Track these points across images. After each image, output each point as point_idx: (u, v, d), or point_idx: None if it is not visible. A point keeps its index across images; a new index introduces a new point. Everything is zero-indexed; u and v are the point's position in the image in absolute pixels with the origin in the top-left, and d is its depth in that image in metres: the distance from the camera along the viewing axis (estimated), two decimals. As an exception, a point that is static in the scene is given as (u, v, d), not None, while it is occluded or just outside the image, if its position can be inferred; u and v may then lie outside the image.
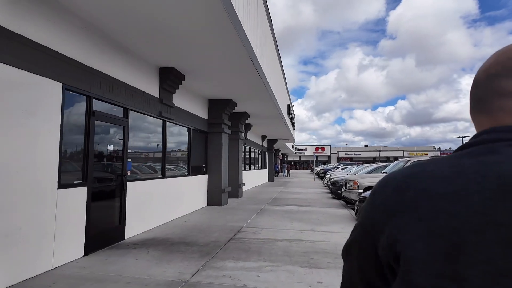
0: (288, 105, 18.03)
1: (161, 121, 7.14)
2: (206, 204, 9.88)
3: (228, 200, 11.32)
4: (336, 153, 71.67)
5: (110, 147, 5.24)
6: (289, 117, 18.32)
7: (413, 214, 0.48)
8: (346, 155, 71.69)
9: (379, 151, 68.52)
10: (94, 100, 4.80)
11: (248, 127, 15.52)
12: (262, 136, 21.51)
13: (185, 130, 8.63)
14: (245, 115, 12.25)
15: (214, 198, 9.90)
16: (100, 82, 4.89)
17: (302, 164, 78.53)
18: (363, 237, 0.58)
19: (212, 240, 5.56)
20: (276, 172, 35.51)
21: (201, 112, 9.63)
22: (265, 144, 23.52)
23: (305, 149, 71.10)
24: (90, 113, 4.70)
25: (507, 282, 0.41)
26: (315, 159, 31.31)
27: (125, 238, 5.53)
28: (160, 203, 6.81)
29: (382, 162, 50.60)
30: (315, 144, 75.15)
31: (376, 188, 0.58)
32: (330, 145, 71.13)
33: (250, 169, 17.79)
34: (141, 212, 6.03)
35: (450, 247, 0.44)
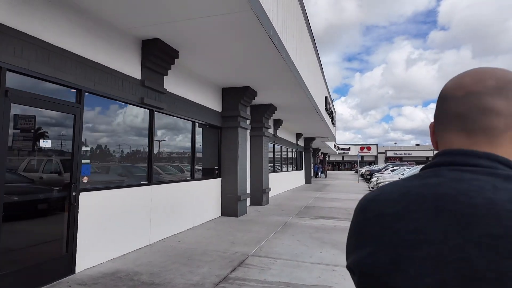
0: (326, 97, 15.73)
1: (148, 111, 5.51)
2: (219, 215, 8.15)
3: (249, 208, 9.49)
4: (383, 153, 66.58)
5: (45, 143, 3.67)
6: (327, 111, 16.01)
7: (368, 232, 0.56)
8: (395, 155, 66.29)
9: (433, 150, 62.06)
10: (8, 72, 3.24)
11: (278, 123, 13.56)
12: (297, 134, 19.38)
13: (187, 124, 6.96)
14: (270, 107, 10.32)
15: (229, 207, 8.13)
16: (21, 47, 3.33)
17: (345, 165, 74.32)
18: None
19: (193, 282, 3.75)
20: (316, 174, 33.03)
21: (213, 102, 7.91)
22: (301, 143, 21.32)
23: (349, 149, 67.12)
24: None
25: None
26: (359, 159, 28.25)
27: (76, 271, 3.94)
28: (142, 218, 5.18)
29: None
30: (360, 143, 70.63)
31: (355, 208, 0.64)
32: (376, 144, 66.45)
33: (281, 170, 15.79)
34: (106, 233, 4.43)
35: (391, 262, 0.50)
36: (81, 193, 4.03)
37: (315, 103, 10.96)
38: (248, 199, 10.23)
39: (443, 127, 0.59)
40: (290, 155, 18.10)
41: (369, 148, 66.04)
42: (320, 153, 47.41)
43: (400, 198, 0.54)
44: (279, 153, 15.53)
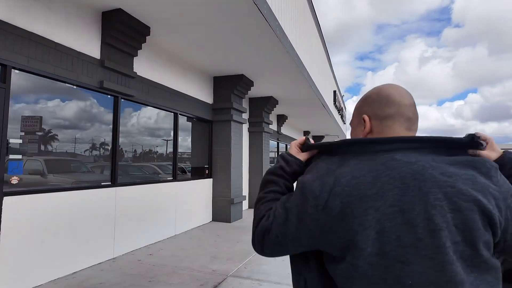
0: (335, 91, 14.61)
1: (112, 97, 4.60)
2: (210, 220, 7.20)
3: (247, 212, 8.50)
4: (397, 152, 64.34)
5: None
6: (336, 106, 14.89)
7: (352, 212, 0.69)
8: (409, 155, 64.00)
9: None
10: None
11: (282, 119, 12.54)
12: (304, 131, 18.28)
13: (169, 117, 6.03)
14: (271, 101, 9.32)
15: (220, 211, 7.17)
16: None
17: (358, 165, 72.40)
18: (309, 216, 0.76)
19: (142, 317, 2.80)
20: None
21: (202, 93, 6.97)
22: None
23: (361, 148, 65.26)
24: None
25: (412, 251, 0.66)
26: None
27: (-5, 299, 3.05)
28: (102, 227, 4.26)
29: (454, 162, 43.38)
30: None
31: (313, 185, 0.77)
32: (390, 144, 64.36)
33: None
34: (46, 248, 3.52)
35: (377, 232, 0.67)
36: (5, 198, 3.14)
37: (321, 95, 9.89)
38: (246, 202, 9.25)
39: (392, 122, 0.82)
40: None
41: (382, 148, 63.99)
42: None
43: (375, 180, 0.71)
44: (284, 151, 14.50)
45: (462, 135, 0.77)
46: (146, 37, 4.82)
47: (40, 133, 3.67)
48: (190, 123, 7.02)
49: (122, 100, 4.74)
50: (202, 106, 6.98)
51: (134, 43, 4.67)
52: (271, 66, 6.58)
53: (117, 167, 4.55)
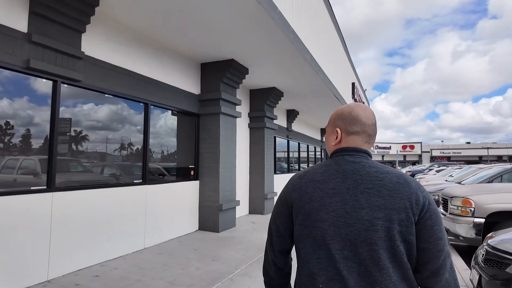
0: (353, 84, 13.24)
1: (50, 82, 3.74)
2: (196, 229, 6.24)
3: (245, 219, 7.48)
4: (428, 152, 60.93)
5: None
6: (354, 100, 13.50)
7: (306, 189, 1.07)
8: (442, 154, 60.44)
9: (487, 148, 55.28)
10: None
11: (292, 114, 11.40)
12: (321, 129, 16.96)
13: (138, 108, 5.13)
14: (274, 92, 8.24)
15: (207, 219, 6.19)
16: None
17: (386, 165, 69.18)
18: (282, 205, 1.15)
19: None
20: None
21: (185, 82, 6.04)
22: (328, 140, 18.80)
23: (389, 147, 62.11)
24: None
25: (342, 219, 0.97)
26: (398, 158, 24.92)
27: None
28: (31, 242, 3.40)
29: (492, 162, 39.74)
30: (402, 142, 65.36)
31: (292, 177, 1.18)
32: (421, 143, 60.89)
33: (299, 171, 13.54)
34: None
35: (319, 205, 1.02)
36: None
37: (332, 85, 8.66)
38: (246, 207, 8.22)
39: (357, 137, 1.11)
40: (312, 154, 15.76)
41: (412, 147, 60.76)
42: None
43: (324, 171, 1.07)
44: (297, 151, 13.30)
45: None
46: (95, 8, 3.93)
47: None
48: (176, 117, 6.11)
49: (65, 85, 3.87)
50: (186, 97, 6.04)
51: (77, 15, 3.79)
52: (264, 47, 5.52)
53: (54, 168, 3.69)
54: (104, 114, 4.54)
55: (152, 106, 5.28)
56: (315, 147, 16.09)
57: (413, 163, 58.43)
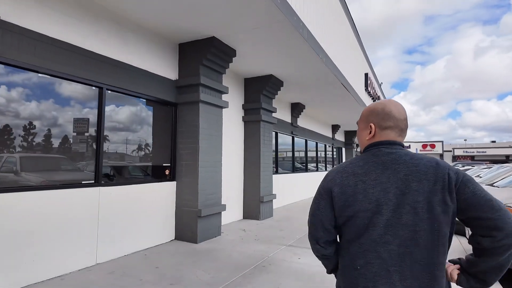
0: (366, 74, 12.01)
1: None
2: (172, 238, 5.30)
3: (235, 225, 6.49)
4: (450, 151, 58.13)
5: None
6: (368, 93, 12.26)
7: (348, 182, 1.15)
8: (465, 153, 57.52)
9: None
10: None
11: (297, 108, 10.32)
12: (332, 125, 15.74)
13: (90, 93, 4.22)
14: (271, 81, 7.20)
15: (185, 227, 5.23)
16: None
17: (404, 165, 66.79)
18: (324, 200, 1.22)
19: None
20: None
21: (157, 64, 5.11)
22: (340, 137, 17.56)
23: (409, 146, 59.72)
24: None
25: (385, 207, 1.07)
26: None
27: None
28: None
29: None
30: (422, 140, 62.87)
31: (328, 173, 1.26)
32: (442, 141, 58.22)
33: (307, 170, 12.40)
34: None
35: (363, 197, 1.10)
36: None
37: (339, 71, 7.53)
38: (239, 211, 7.23)
39: (390, 130, 1.20)
40: (322, 152, 14.57)
41: (432, 146, 58.20)
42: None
43: (363, 164, 1.16)
44: (303, 149, 12.18)
45: None
46: (12, -42, 3.04)
47: None
48: (148, 106, 5.21)
49: (-28, 58, 3.00)
50: (160, 83, 5.10)
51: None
52: (247, 19, 4.51)
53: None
54: (37, 98, 3.64)
55: (109, 91, 4.37)
56: (325, 145, 14.89)
57: (434, 163, 55.77)
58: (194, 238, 5.09)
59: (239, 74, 7.22)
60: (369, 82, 12.12)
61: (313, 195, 1.31)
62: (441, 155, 57.06)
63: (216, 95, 5.65)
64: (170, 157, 5.39)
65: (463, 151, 58.52)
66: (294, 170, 10.89)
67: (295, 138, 10.98)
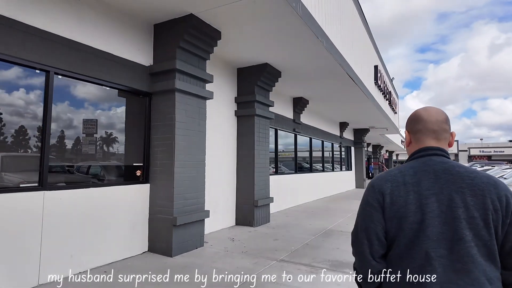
0: (376, 67, 11.08)
1: None
2: (145, 250, 4.55)
3: (224, 234, 5.71)
4: (466, 151, 56.22)
5: None
6: (378, 87, 11.32)
7: (399, 193, 1.10)
8: (481, 153, 55.59)
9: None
10: None
11: (299, 104, 9.49)
12: (340, 123, 14.80)
13: (33, 78, 3.50)
14: (267, 70, 6.40)
15: (159, 237, 4.48)
16: None
17: (417, 165, 64.91)
18: (374, 211, 1.15)
19: None
20: (372, 175, 27.60)
21: (126, 47, 4.38)
22: (349, 136, 16.59)
23: (421, 146, 58.01)
24: None
25: (440, 220, 1.03)
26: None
27: None
28: None
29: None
30: (435, 140, 60.88)
31: (374, 181, 1.19)
32: (457, 141, 56.32)
33: (311, 171, 11.52)
34: None
35: (417, 207, 1.06)
36: None
37: (343, 59, 6.68)
38: (232, 216, 6.45)
39: (420, 134, 1.20)
40: (329, 151, 13.65)
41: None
42: (384, 151, 40.69)
43: (414, 173, 1.11)
44: (308, 147, 11.32)
45: None
46: None
47: None
48: (120, 97, 4.49)
49: None
50: (129, 69, 4.37)
51: None
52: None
53: None
54: None
55: (59, 76, 3.65)
56: (332, 144, 13.97)
57: (449, 163, 53.97)
58: (169, 251, 4.32)
59: (230, 63, 6.45)
60: (379, 75, 11.17)
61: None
62: (456, 155, 55.14)
63: (198, 83, 4.88)
64: (143, 156, 4.65)
65: (480, 151, 56.64)
66: (297, 170, 10.04)
67: (298, 136, 10.14)
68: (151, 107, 4.72)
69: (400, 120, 23.95)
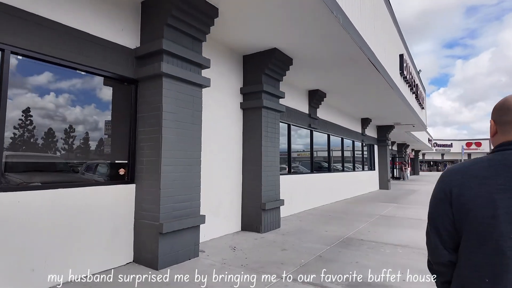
0: (402, 55, 10.06)
1: None
2: (130, 260, 3.94)
3: (230, 239, 5.03)
4: (500, 150, 52.62)
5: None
6: (404, 78, 10.30)
7: (469, 185, 1.04)
8: (517, 152, 51.76)
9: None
10: None
11: (316, 96, 8.68)
12: (362, 119, 13.78)
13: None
14: (275, 56, 5.68)
15: (145, 246, 3.85)
16: None
17: (445, 165, 61.80)
18: (443, 204, 1.10)
19: None
20: (398, 178, 26.21)
21: (107, 27, 3.79)
22: (371, 133, 15.49)
23: (450, 145, 55.22)
24: None
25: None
26: (463, 157, 20.33)
27: None
28: None
29: None
30: (465, 139, 57.83)
31: (444, 173, 1.15)
32: (489, 139, 52.85)
33: (330, 170, 10.62)
34: None
35: (487, 203, 0.98)
36: None
37: (364, 42, 5.83)
38: (238, 221, 5.76)
39: (509, 126, 1.07)
40: (350, 149, 12.68)
41: (478, 144, 53.27)
42: (410, 150, 38.69)
43: (488, 166, 1.03)
44: (326, 145, 10.45)
45: None
46: None
47: None
48: (110, 87, 3.93)
49: None
50: (110, 51, 3.78)
51: None
52: None
53: None
54: None
55: (19, 56, 3.09)
56: (353, 141, 12.98)
57: (480, 162, 50.86)
58: (154, 263, 3.69)
59: (235, 49, 5.77)
60: (405, 65, 10.13)
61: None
62: (488, 154, 51.74)
63: (191, 68, 4.22)
64: (127, 152, 4.05)
65: (515, 150, 52.92)
66: (313, 170, 9.22)
67: (314, 132, 9.31)
68: (138, 96, 4.12)
69: (428, 117, 22.42)
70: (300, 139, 8.83)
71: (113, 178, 3.91)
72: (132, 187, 3.99)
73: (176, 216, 3.91)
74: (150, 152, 3.89)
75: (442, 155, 59.86)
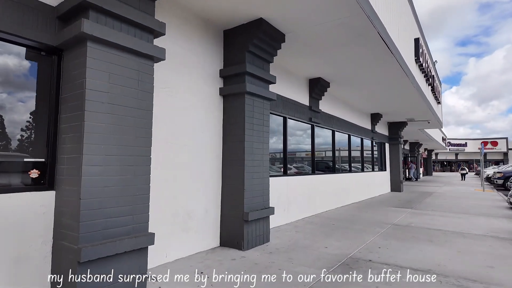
0: (417, 39, 8.78)
1: None
2: (44, 297, 2.86)
3: (201, 259, 3.90)
4: (517, 149, 50.42)
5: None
6: (419, 66, 9.01)
7: None
8: (535, 151, 49.63)
9: None
10: None
11: (317, 85, 7.51)
12: (371, 114, 12.49)
13: None
14: (262, 29, 4.53)
15: (64, 279, 2.76)
16: None
17: (459, 165, 59.56)
18: None
19: None
20: (410, 179, 24.78)
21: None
22: (382, 130, 14.17)
23: (465, 144, 53.06)
24: None
25: None
26: (482, 157, 18.78)
27: None
28: None
29: None
30: (480, 138, 55.60)
31: None
32: (506, 138, 50.70)
33: (334, 171, 9.37)
34: None
35: None
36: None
37: (374, 12, 4.63)
38: (216, 235, 4.62)
39: None
40: (358, 148, 11.40)
41: (494, 143, 51.11)
42: (423, 150, 36.93)
43: None
44: (331, 143, 9.22)
45: None
46: None
47: None
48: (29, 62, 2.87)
49: None
50: (18, 9, 2.70)
51: None
52: None
53: None
54: None
55: None
56: (362, 139, 11.70)
57: (496, 162, 48.75)
58: (70, 305, 2.60)
59: (212, 21, 4.65)
60: (421, 50, 8.84)
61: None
62: (505, 154, 49.52)
63: (136, 33, 3.11)
64: (46, 147, 2.97)
65: (533, 149, 50.61)
66: (315, 170, 8.02)
67: (315, 127, 8.11)
68: (62, 71, 3.03)
69: (444, 115, 20.96)
70: (299, 136, 7.65)
71: (24, 183, 2.83)
72: (51, 195, 2.91)
73: (110, 236, 2.80)
74: (72, 147, 2.79)
75: (456, 154, 57.67)
